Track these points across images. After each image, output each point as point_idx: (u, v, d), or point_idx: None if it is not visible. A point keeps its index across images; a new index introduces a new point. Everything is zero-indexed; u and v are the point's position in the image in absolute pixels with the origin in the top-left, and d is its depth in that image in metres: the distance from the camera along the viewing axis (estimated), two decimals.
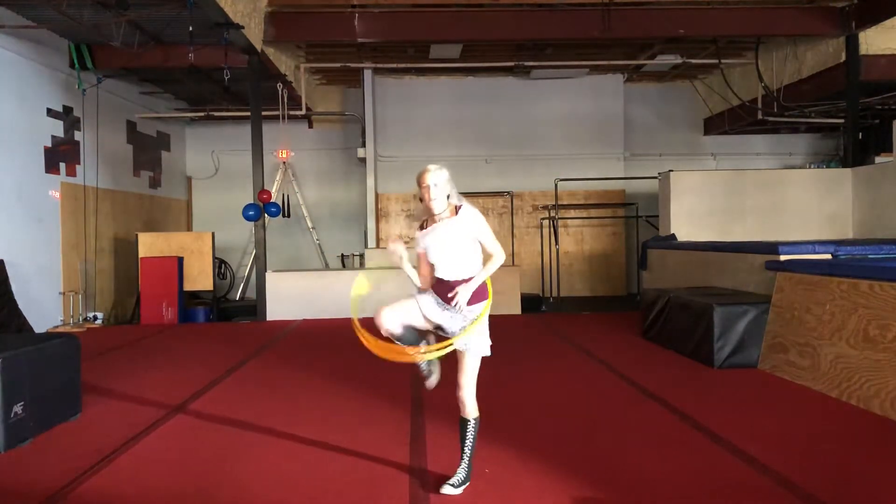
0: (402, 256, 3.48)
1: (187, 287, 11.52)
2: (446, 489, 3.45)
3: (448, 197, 3.41)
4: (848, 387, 5.20)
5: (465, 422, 3.48)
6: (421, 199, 3.43)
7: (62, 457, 4.20)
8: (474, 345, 3.43)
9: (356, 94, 14.83)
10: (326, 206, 15.34)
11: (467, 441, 3.48)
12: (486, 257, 3.49)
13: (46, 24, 9.45)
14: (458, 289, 3.38)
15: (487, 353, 3.49)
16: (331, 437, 4.44)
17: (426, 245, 3.47)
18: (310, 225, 14.92)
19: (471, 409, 3.47)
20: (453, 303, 3.38)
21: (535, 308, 11.75)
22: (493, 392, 5.69)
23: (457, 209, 3.44)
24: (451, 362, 3.54)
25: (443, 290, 3.46)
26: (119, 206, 12.33)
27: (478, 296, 3.43)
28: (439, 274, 3.45)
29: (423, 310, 3.47)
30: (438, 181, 3.37)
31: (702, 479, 3.67)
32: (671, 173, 11.24)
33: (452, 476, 3.51)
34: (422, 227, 3.55)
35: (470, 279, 3.41)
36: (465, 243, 3.42)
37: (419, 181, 3.40)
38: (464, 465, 3.50)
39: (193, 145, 15.63)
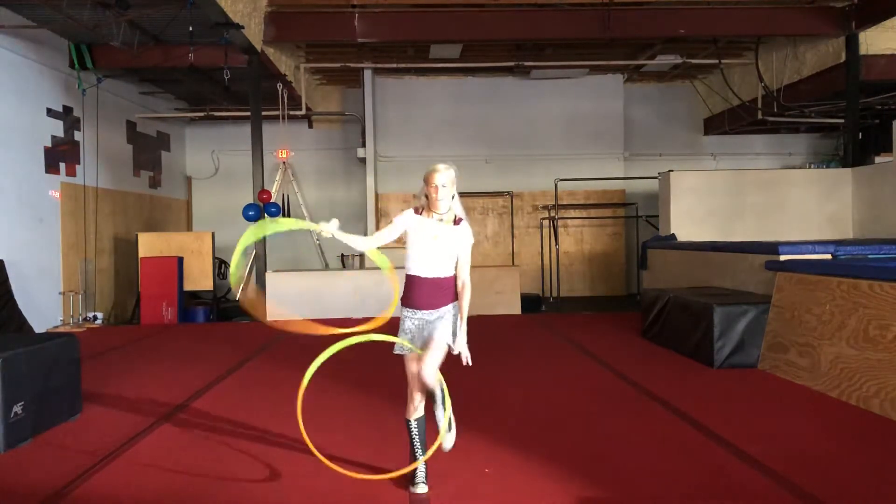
0: (332, 233, 3.41)
1: (187, 287, 11.51)
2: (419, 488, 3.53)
3: (452, 198, 3.48)
4: (848, 387, 5.20)
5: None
6: (426, 196, 3.49)
7: (62, 457, 4.20)
8: (460, 339, 3.53)
9: (356, 94, 14.83)
10: (326, 206, 15.33)
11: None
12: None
13: (46, 24, 9.45)
14: (461, 350, 3.50)
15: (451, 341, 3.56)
16: (331, 437, 4.44)
17: (417, 238, 3.50)
18: None
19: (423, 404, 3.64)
20: (464, 362, 3.49)
21: (534, 308, 11.74)
22: (493, 392, 5.70)
23: (457, 220, 3.52)
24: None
25: (419, 292, 3.50)
26: (119, 205, 12.33)
27: (448, 297, 3.52)
28: (417, 270, 3.50)
29: (412, 348, 3.51)
30: (447, 181, 3.43)
31: (701, 479, 3.67)
32: (671, 173, 11.25)
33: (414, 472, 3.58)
34: (416, 212, 3.56)
35: (445, 279, 3.51)
36: (452, 252, 3.54)
37: (428, 179, 3.45)
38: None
39: (193, 145, 15.63)
